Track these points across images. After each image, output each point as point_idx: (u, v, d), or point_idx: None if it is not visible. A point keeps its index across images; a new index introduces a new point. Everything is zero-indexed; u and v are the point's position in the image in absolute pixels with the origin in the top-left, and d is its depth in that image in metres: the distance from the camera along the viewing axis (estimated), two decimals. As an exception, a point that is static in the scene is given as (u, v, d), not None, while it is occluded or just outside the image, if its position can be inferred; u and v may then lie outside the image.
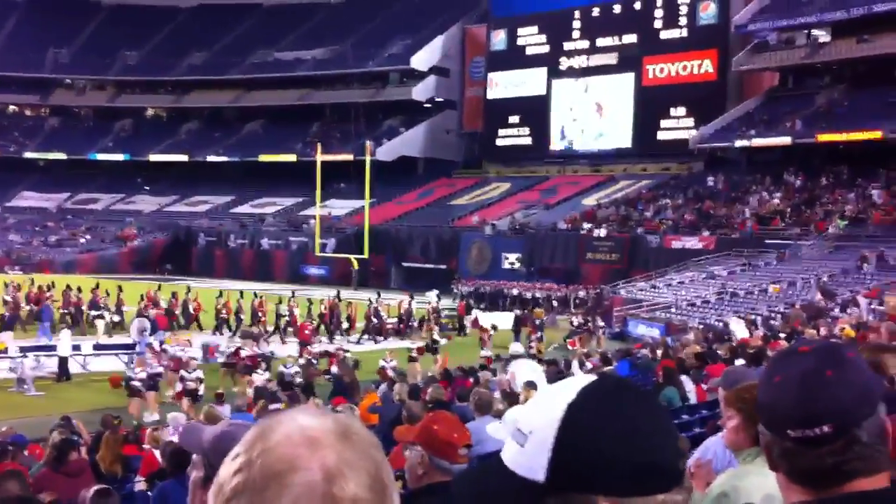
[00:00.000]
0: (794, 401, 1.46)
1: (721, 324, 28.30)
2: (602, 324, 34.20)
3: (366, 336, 34.00)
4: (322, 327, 33.82)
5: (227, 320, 34.06)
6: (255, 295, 35.04)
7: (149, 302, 33.32)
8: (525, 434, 1.25)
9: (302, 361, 22.56)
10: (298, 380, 20.00)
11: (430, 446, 3.49)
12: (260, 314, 33.18)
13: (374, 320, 34.47)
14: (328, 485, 1.01)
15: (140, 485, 9.41)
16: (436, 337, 29.54)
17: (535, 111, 64.50)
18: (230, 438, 2.62)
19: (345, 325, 34.56)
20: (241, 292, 37.17)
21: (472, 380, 17.74)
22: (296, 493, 1.00)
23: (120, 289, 35.35)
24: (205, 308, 34.79)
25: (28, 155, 78.28)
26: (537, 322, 33.49)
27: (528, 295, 44.27)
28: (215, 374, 23.08)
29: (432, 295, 38.90)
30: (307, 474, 1.01)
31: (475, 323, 35.72)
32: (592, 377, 1.30)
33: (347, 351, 24.77)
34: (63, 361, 24.11)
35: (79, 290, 35.29)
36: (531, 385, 11.46)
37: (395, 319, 35.79)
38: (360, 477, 1.03)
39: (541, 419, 1.24)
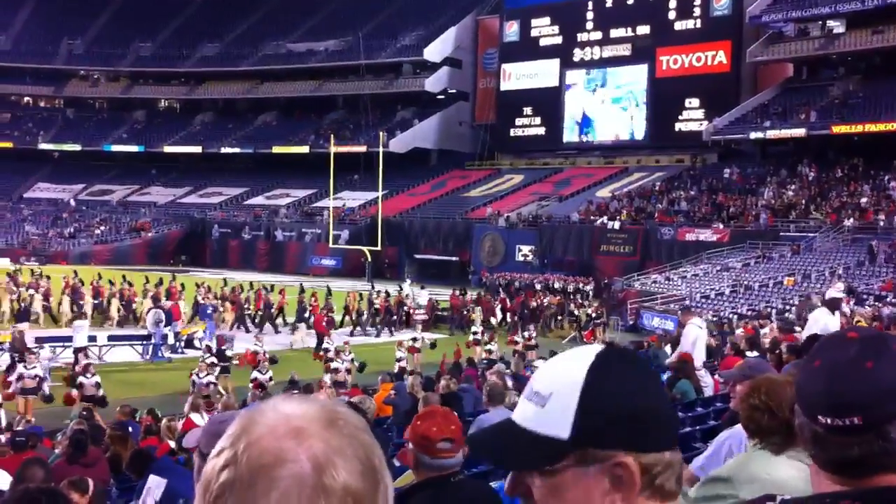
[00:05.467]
0: (827, 388, 1.44)
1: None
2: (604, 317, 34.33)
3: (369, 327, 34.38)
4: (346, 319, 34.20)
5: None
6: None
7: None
8: (544, 395, 1.31)
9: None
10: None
11: (415, 442, 3.54)
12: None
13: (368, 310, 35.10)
14: (318, 475, 0.99)
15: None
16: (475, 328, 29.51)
17: (549, 103, 64.36)
18: (219, 422, 2.77)
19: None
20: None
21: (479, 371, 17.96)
22: (284, 487, 0.98)
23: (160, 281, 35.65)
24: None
25: (43, 146, 78.63)
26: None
27: (538, 286, 44.12)
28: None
29: (406, 286, 39.59)
30: (295, 466, 0.99)
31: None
32: (600, 346, 1.39)
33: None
34: (79, 352, 24.20)
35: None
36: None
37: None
38: (350, 464, 1.01)
39: (562, 381, 1.31)
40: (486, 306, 36.06)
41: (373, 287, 39.57)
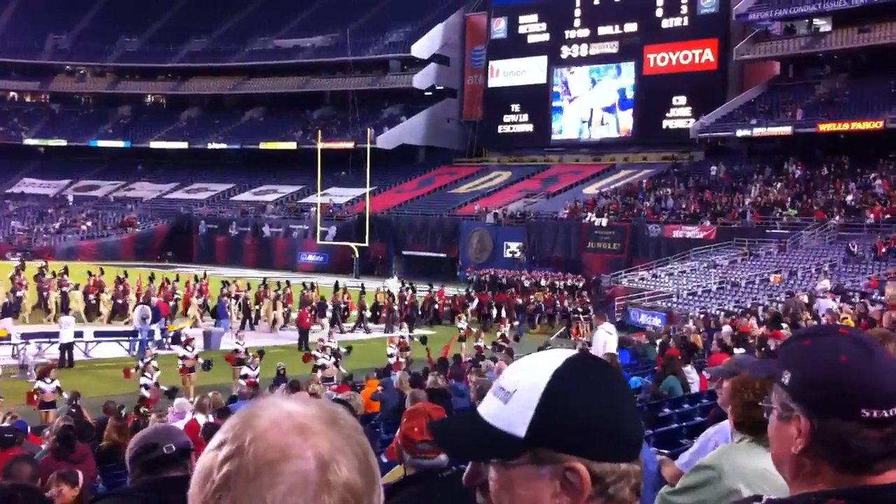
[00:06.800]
0: (872, 381, 1.42)
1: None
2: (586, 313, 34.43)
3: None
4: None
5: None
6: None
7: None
8: (509, 392, 1.33)
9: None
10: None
11: (400, 440, 3.62)
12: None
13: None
14: (322, 472, 1.01)
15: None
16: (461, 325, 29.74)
17: (536, 99, 64.40)
18: (152, 432, 3.06)
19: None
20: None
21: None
22: (290, 482, 1.00)
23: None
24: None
25: (28, 141, 78.18)
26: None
27: (527, 283, 44.19)
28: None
29: (393, 282, 39.72)
30: (301, 462, 1.01)
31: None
32: (574, 351, 1.40)
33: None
34: (66, 348, 24.18)
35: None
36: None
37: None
38: (351, 462, 1.04)
39: (526, 380, 1.32)
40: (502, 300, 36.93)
41: (402, 283, 39.77)
